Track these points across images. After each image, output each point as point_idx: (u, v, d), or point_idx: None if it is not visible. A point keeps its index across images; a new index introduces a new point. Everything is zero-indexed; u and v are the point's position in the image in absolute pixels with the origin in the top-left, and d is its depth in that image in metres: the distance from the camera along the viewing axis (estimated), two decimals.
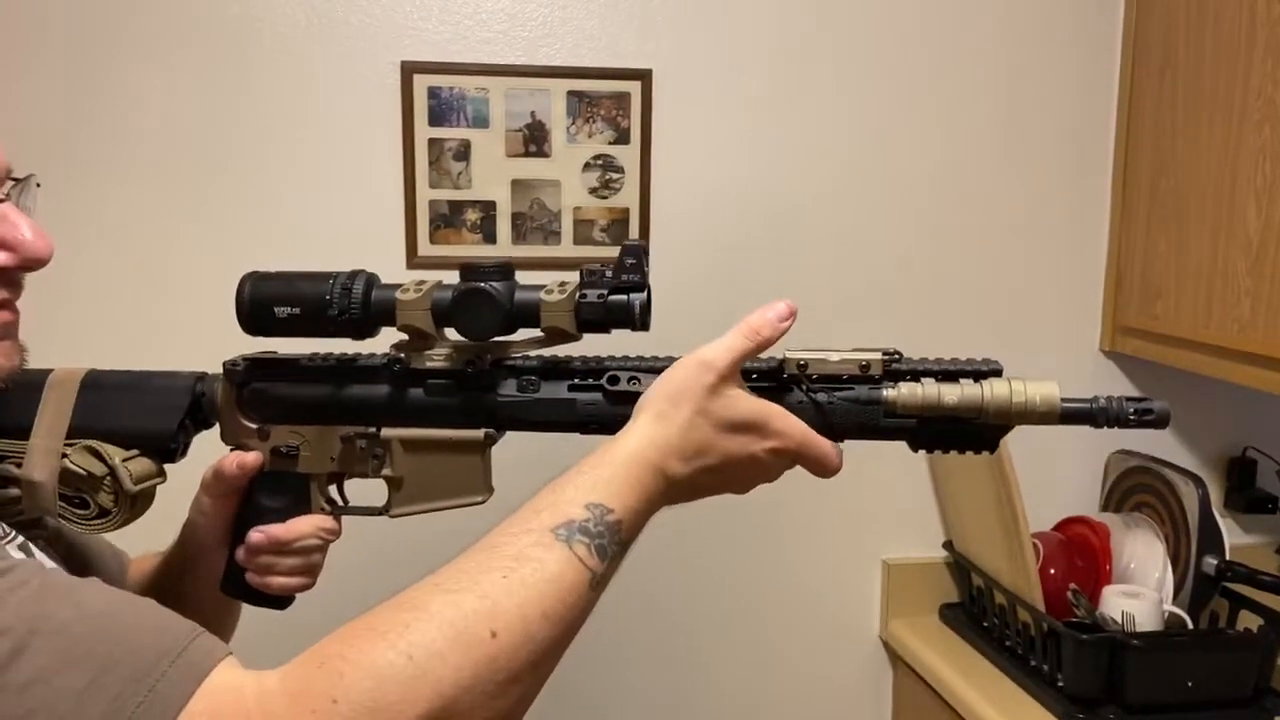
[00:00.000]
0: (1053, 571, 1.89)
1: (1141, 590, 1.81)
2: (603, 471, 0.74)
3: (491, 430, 0.89)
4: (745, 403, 0.79)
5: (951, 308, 2.06)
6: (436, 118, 1.87)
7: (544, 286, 0.87)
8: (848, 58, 1.98)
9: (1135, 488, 2.03)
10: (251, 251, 1.84)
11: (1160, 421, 0.79)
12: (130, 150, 1.80)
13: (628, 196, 1.94)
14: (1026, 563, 1.79)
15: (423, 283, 0.88)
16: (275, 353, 0.95)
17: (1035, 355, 2.09)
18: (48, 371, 0.91)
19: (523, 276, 1.83)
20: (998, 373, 0.82)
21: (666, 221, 1.96)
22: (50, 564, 0.77)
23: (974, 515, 1.96)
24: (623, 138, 1.92)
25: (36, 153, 1.76)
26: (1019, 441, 1.74)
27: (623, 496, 0.73)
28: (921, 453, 0.85)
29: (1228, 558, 1.84)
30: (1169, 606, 1.79)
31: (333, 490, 0.96)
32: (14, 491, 0.83)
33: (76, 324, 1.73)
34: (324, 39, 1.83)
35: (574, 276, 0.87)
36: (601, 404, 0.86)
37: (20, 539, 0.78)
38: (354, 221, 1.88)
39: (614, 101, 1.91)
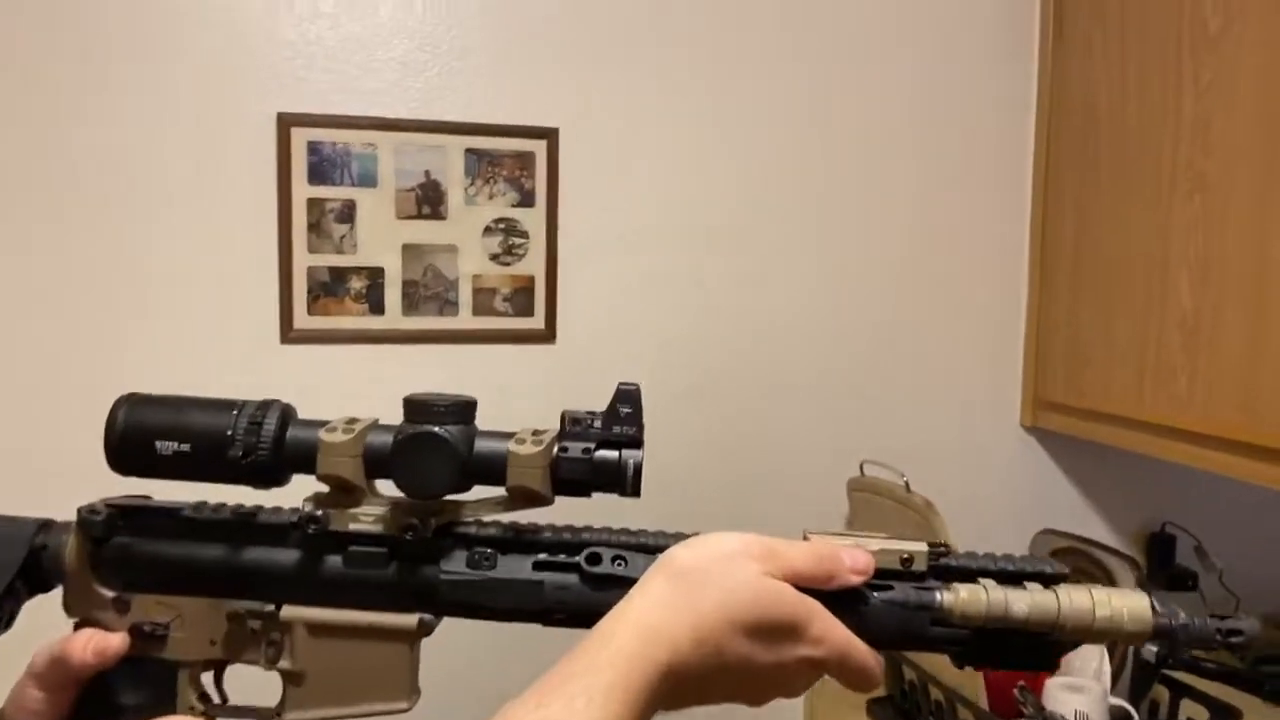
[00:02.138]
0: None
1: (1084, 683, 1.70)
2: (600, 677, 0.56)
3: (428, 616, 0.69)
4: (789, 599, 0.61)
5: (871, 384, 1.96)
6: (317, 175, 1.67)
7: (513, 435, 0.68)
8: (765, 120, 1.87)
9: None
10: (108, 330, 1.62)
11: (1248, 644, 0.64)
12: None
13: (532, 263, 1.77)
14: None
15: (354, 421, 0.69)
16: (149, 498, 0.73)
17: (956, 432, 2.01)
18: None
19: (413, 355, 1.65)
20: (1064, 576, 0.67)
21: (575, 291, 1.80)
22: None
23: None
24: (527, 200, 1.76)
25: None
26: (950, 513, 1.66)
27: (621, 710, 0.55)
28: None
29: None
30: (1114, 699, 1.70)
31: (209, 682, 0.73)
32: None
33: None
34: (190, 86, 1.62)
35: (550, 424, 0.69)
36: (577, 589, 0.66)
37: None
38: (222, 290, 1.66)
39: (517, 161, 1.75)
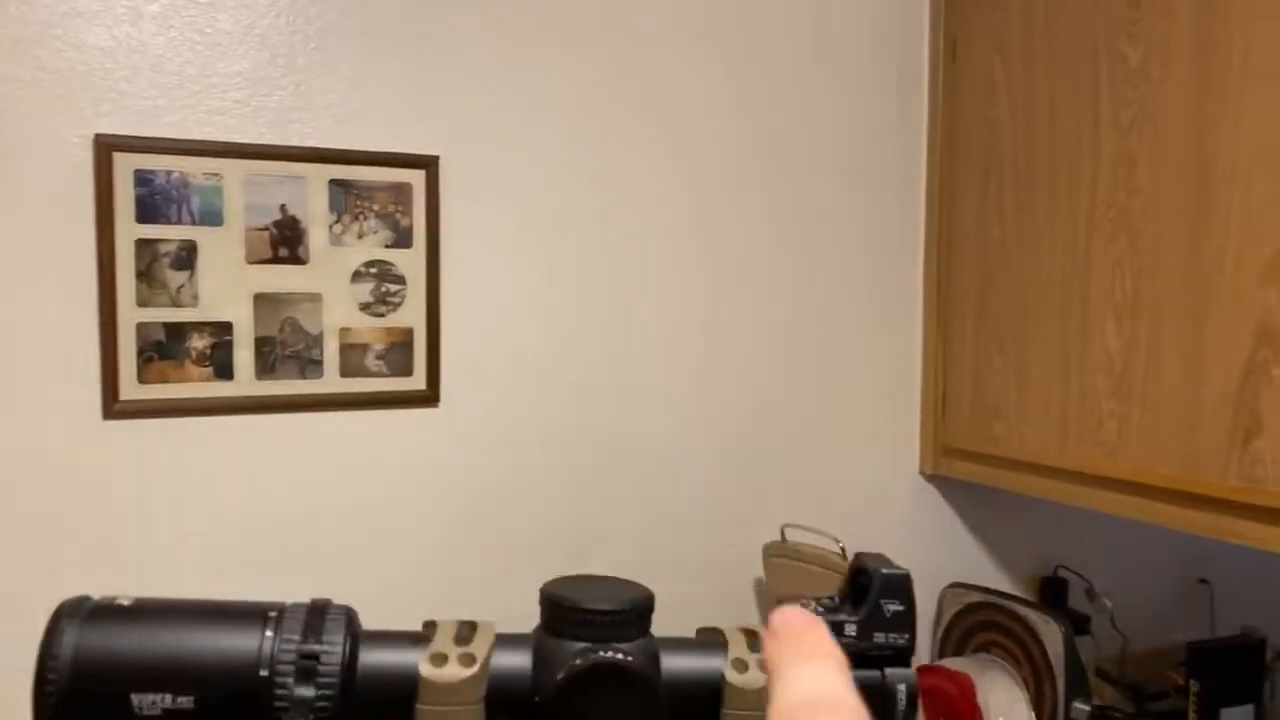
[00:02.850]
0: None
1: None
2: None
3: None
4: None
5: (772, 429, 1.81)
6: (148, 212, 1.37)
7: (715, 643, 0.44)
8: (658, 157, 1.69)
9: (980, 625, 1.85)
10: None
11: None
12: None
13: (411, 314, 1.52)
14: None
15: (467, 637, 0.43)
16: None
17: (855, 480, 1.89)
18: None
19: (275, 426, 1.39)
20: None
21: (461, 346, 1.56)
22: None
23: None
24: (403, 239, 1.51)
25: None
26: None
27: None
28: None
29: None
30: None
31: None
32: None
33: None
34: None
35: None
36: None
37: None
38: (25, 357, 1.32)
39: (391, 194, 1.50)
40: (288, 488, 1.46)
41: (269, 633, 0.40)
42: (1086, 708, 1.66)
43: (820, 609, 0.43)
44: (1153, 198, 1.51)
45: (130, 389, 1.37)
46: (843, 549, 1.55)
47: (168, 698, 0.39)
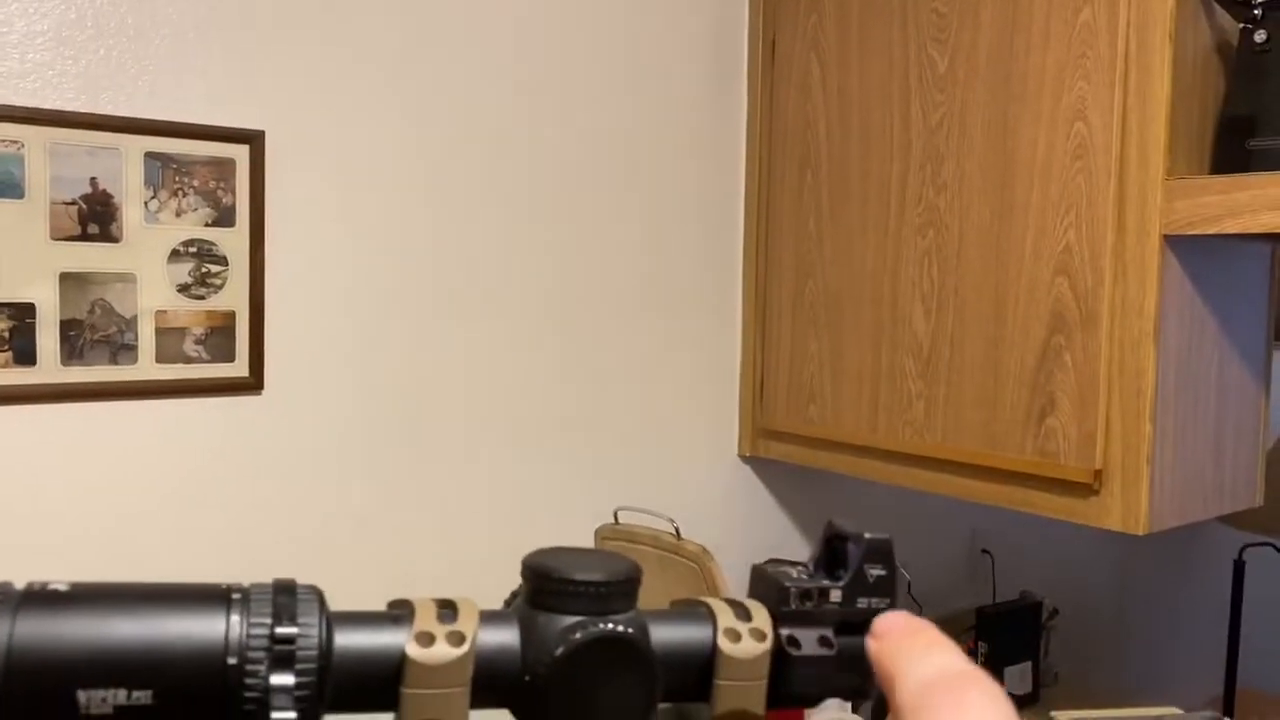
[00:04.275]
0: None
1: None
2: None
3: None
4: None
5: (599, 412, 1.83)
6: None
7: (702, 613, 0.43)
8: (475, 139, 1.68)
9: None
10: None
11: None
12: None
13: (233, 296, 1.44)
14: None
15: (448, 612, 0.40)
16: None
17: (674, 464, 1.94)
18: None
19: (83, 415, 1.29)
20: None
21: (286, 330, 1.49)
22: None
23: None
24: (225, 218, 1.43)
25: None
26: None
27: None
28: None
29: None
30: None
31: None
32: None
33: None
34: None
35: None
36: None
37: None
38: None
39: (212, 170, 1.42)
40: (98, 481, 1.35)
41: (235, 616, 0.37)
42: None
43: (802, 575, 0.45)
44: (958, 194, 1.63)
45: None
46: (676, 529, 1.58)
47: (121, 693, 0.35)
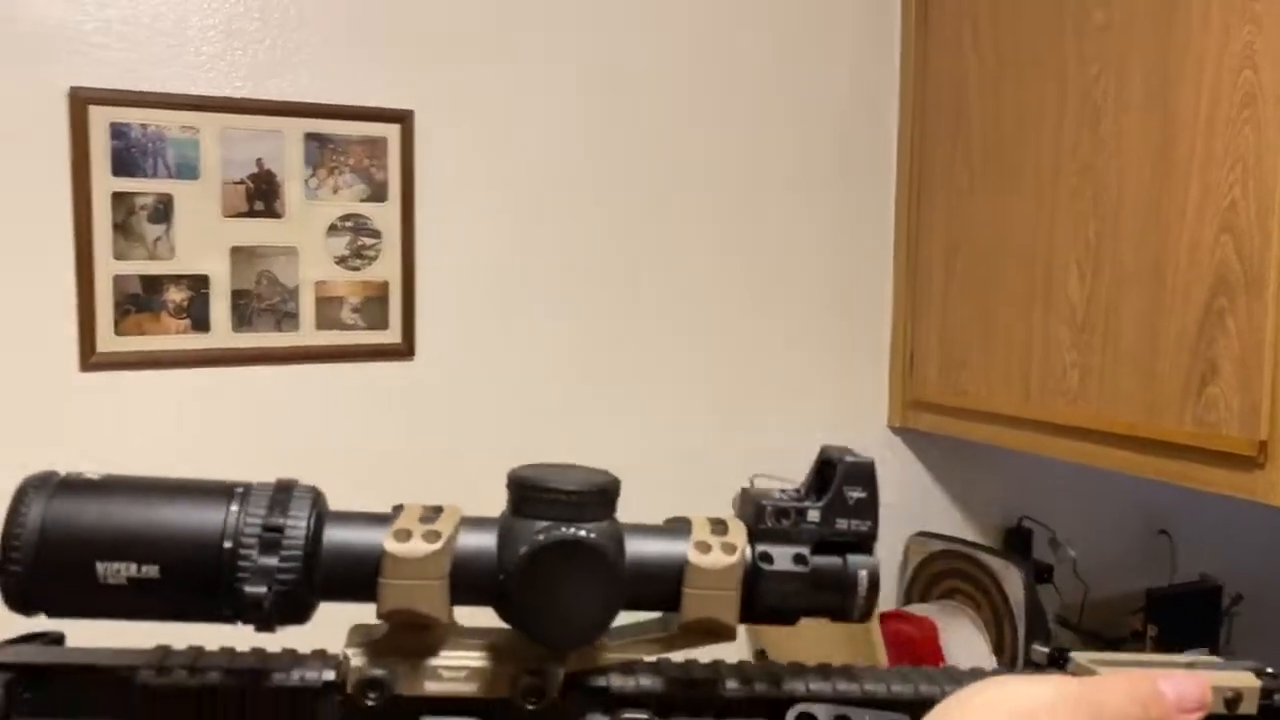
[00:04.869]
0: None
1: None
2: None
3: None
4: None
5: (744, 382, 1.84)
6: (124, 165, 1.38)
7: (682, 529, 0.46)
8: (637, 108, 1.71)
9: (944, 574, 1.90)
10: None
11: None
12: None
13: (386, 267, 1.54)
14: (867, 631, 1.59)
15: (432, 517, 0.44)
16: (60, 638, 0.46)
17: (822, 434, 1.92)
18: None
19: (248, 378, 1.40)
20: None
21: (436, 299, 1.58)
22: None
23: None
24: (378, 193, 1.52)
25: None
26: None
27: None
28: None
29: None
30: None
31: None
32: None
33: None
34: None
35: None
36: None
37: None
38: (4, 308, 1.33)
39: (366, 148, 1.51)
40: (262, 438, 1.47)
41: (234, 507, 0.42)
42: (1045, 649, 1.71)
43: (784, 496, 0.46)
44: (1116, 151, 1.55)
45: (107, 341, 1.39)
46: None
47: (132, 566, 0.40)
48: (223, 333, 1.45)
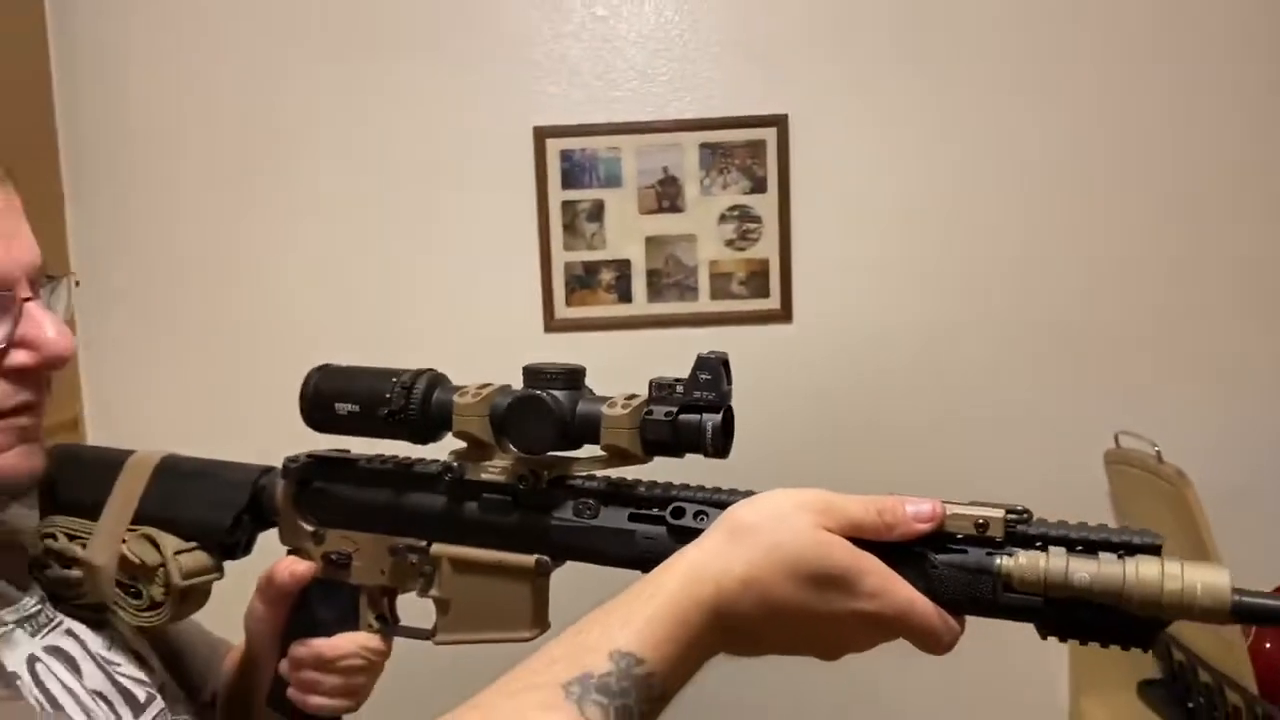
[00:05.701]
0: (1268, 646, 1.66)
1: None
2: (641, 609, 0.61)
3: (544, 558, 0.77)
4: (836, 551, 0.62)
5: (1123, 353, 1.87)
6: (569, 180, 1.86)
7: (608, 399, 0.76)
8: (1004, 92, 1.85)
9: None
10: (392, 322, 1.90)
11: None
12: (283, 224, 1.88)
13: (766, 246, 1.86)
14: (1233, 637, 1.57)
15: (485, 386, 0.78)
16: (348, 451, 0.87)
17: (1215, 405, 1.87)
18: (129, 452, 0.90)
19: (660, 338, 1.79)
20: (1154, 548, 0.62)
21: (809, 272, 1.87)
22: (90, 660, 0.79)
23: None
24: (759, 186, 1.85)
25: (128, 241, 1.87)
26: (1208, 485, 1.56)
27: (660, 644, 0.60)
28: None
29: None
30: None
31: (383, 606, 0.87)
32: (76, 573, 0.82)
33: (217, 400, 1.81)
34: (458, 108, 1.86)
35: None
36: (663, 539, 0.72)
37: (64, 625, 0.79)
38: (493, 287, 1.89)
39: (748, 150, 1.85)
40: None
41: (394, 380, 0.80)
42: None
43: (670, 380, 0.73)
44: None
45: (561, 310, 1.89)
46: (1158, 452, 1.61)
47: (346, 405, 0.81)
48: (641, 303, 1.88)
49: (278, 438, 0.92)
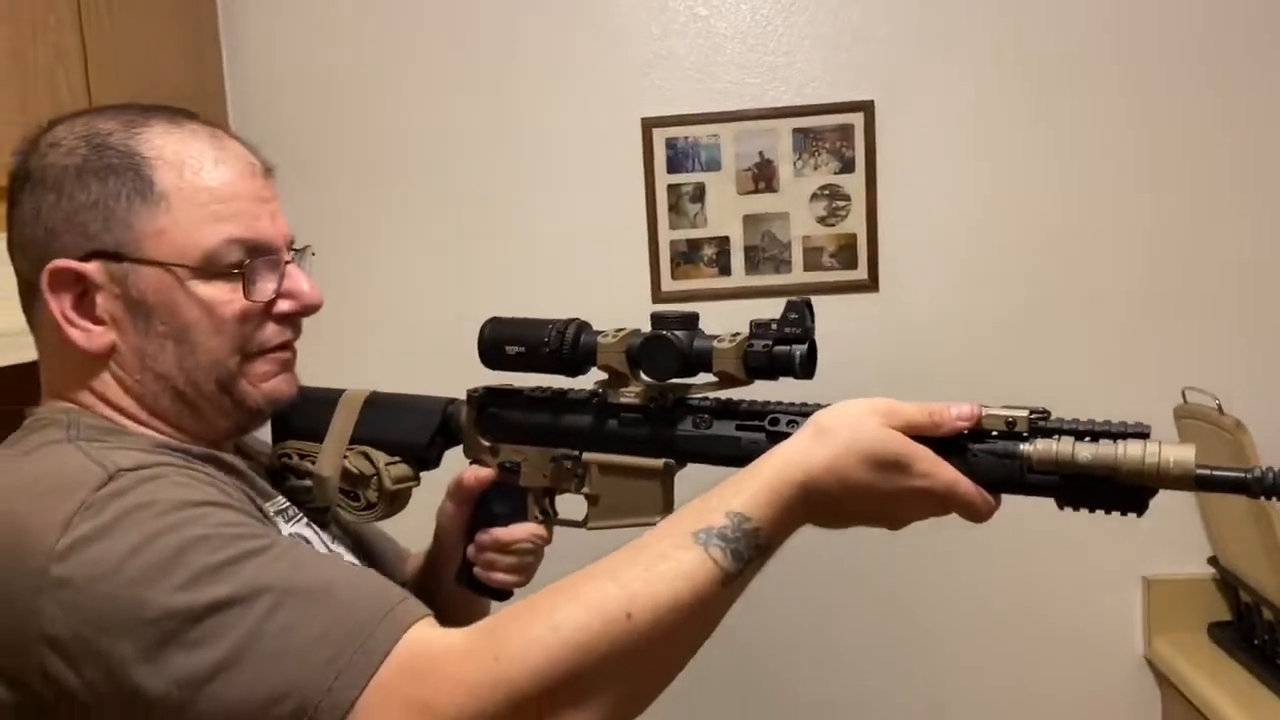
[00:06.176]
0: None
1: None
2: (748, 484, 0.81)
3: (670, 460, 0.99)
4: (896, 442, 0.81)
5: (1189, 309, 2.00)
6: (674, 166, 2.06)
7: (718, 336, 0.96)
8: (1080, 78, 1.99)
9: None
10: (516, 293, 2.12)
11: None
12: (416, 211, 2.12)
13: (854, 222, 2.04)
14: None
15: (621, 330, 1.01)
16: (512, 385, 1.10)
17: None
18: (341, 391, 1.14)
19: (757, 306, 1.98)
20: (1143, 435, 0.80)
21: (894, 245, 2.04)
22: (322, 545, 1.00)
23: (1232, 525, 1.88)
24: (847, 167, 2.03)
25: (330, 223, 2.11)
26: (1265, 431, 1.69)
27: (762, 508, 0.79)
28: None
29: None
30: None
31: (546, 503, 1.10)
32: (307, 483, 1.07)
33: (385, 350, 2.05)
34: (574, 104, 2.07)
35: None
36: (763, 443, 0.90)
37: (305, 519, 1.01)
38: (606, 263, 2.10)
39: (838, 134, 2.02)
40: None
41: (550, 327, 1.03)
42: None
43: (766, 319, 0.93)
44: None
45: (667, 284, 2.09)
46: (1219, 405, 1.75)
47: (515, 347, 1.03)
48: (739, 276, 2.07)
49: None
